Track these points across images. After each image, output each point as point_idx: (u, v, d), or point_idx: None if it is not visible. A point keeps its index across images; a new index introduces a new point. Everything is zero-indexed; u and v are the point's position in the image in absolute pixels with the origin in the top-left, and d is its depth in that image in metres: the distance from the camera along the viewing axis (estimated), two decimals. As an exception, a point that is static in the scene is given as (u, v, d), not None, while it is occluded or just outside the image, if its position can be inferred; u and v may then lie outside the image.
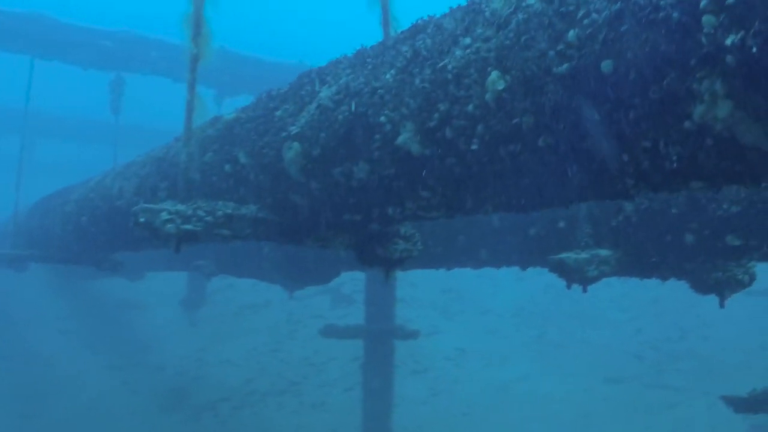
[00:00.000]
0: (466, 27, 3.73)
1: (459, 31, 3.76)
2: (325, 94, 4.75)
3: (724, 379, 18.74)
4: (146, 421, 17.55)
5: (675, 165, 2.90)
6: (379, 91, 4.16)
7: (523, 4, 3.37)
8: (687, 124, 2.73)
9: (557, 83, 3.10)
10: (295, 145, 4.82)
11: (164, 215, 5.03)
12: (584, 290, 6.46)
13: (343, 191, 4.74)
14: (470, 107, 3.53)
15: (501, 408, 18.61)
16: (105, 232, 9.25)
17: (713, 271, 6.77)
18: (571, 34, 3.00)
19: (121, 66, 14.83)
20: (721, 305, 7.30)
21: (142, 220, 5.11)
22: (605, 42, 2.87)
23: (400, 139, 3.95)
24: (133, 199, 7.64)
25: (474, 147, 3.60)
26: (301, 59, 16.08)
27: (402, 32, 4.54)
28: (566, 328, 23.25)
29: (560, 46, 3.06)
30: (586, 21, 2.95)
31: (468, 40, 3.64)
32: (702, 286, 6.99)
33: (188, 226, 5.06)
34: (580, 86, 3.02)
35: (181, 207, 5.14)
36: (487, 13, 3.62)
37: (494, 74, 3.36)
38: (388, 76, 4.15)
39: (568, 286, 6.47)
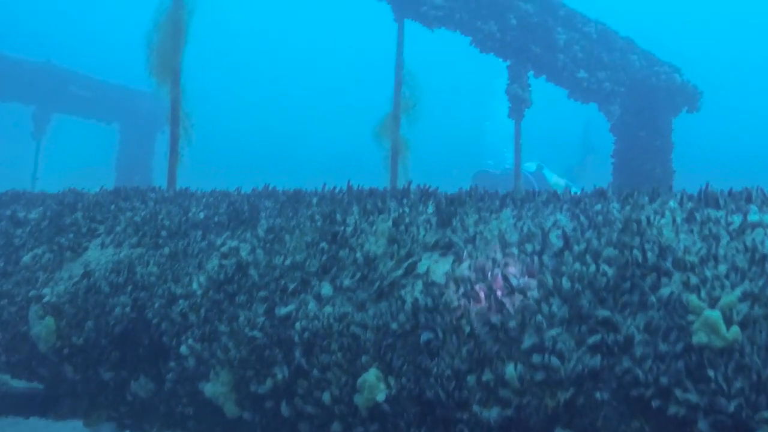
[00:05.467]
0: (323, 265, 2.55)
1: (313, 267, 2.55)
2: (96, 257, 3.42)
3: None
4: None
5: None
6: (180, 302, 2.90)
7: (420, 271, 2.29)
8: None
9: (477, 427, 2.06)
10: (48, 320, 3.45)
11: None
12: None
13: (114, 397, 3.43)
14: (326, 397, 2.39)
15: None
16: None
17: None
18: (510, 369, 1.98)
19: None
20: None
21: None
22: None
23: (208, 389, 2.74)
24: None
25: (323, 445, 2.48)
26: (48, 58, 13.78)
27: (209, 197, 3.29)
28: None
29: (487, 377, 2.03)
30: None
31: (327, 289, 2.47)
32: None
33: None
34: None
35: None
36: (359, 255, 2.48)
37: (373, 373, 2.24)
38: (195, 285, 2.89)
39: None
